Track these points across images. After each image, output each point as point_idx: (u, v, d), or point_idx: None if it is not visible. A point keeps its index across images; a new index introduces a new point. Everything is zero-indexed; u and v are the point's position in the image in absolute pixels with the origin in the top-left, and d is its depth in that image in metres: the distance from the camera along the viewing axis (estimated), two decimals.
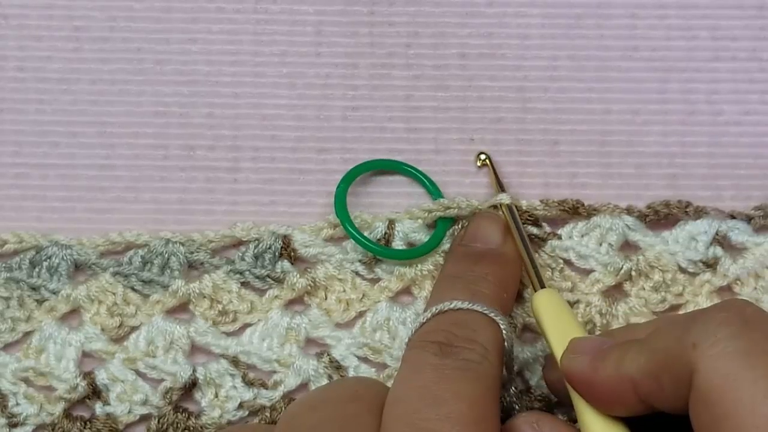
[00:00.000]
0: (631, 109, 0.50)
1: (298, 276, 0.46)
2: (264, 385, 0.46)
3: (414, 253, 0.47)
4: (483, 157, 0.49)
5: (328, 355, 0.46)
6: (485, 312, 0.41)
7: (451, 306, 0.41)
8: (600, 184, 0.49)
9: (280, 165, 0.50)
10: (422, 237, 0.47)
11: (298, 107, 0.50)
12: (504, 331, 0.41)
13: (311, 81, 0.51)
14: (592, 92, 0.51)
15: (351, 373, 0.46)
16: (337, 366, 0.46)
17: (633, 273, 0.47)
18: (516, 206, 0.47)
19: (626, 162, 0.50)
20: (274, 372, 0.46)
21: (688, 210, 0.47)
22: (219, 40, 0.51)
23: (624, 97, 0.50)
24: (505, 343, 0.41)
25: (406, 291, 0.47)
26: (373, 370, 0.46)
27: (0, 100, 0.50)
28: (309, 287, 0.47)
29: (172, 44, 0.51)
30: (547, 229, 0.48)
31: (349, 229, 0.47)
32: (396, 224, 0.47)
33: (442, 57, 0.51)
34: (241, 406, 0.45)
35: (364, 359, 0.46)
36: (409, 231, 0.47)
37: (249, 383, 0.46)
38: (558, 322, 0.42)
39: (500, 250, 0.45)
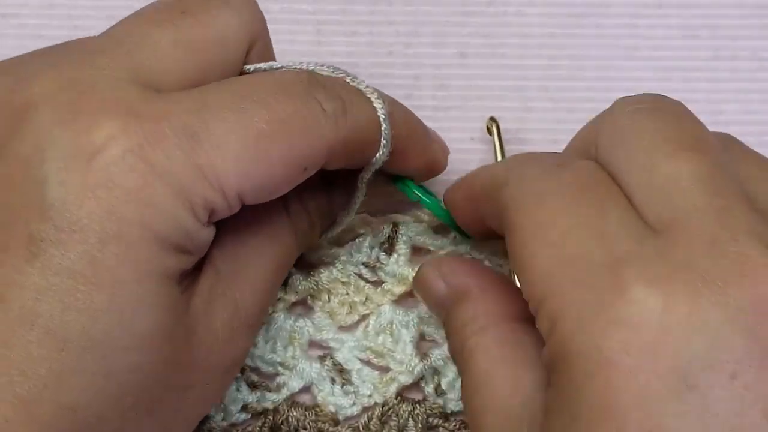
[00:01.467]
0: None
1: (301, 279, 0.46)
2: (267, 388, 0.45)
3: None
4: (490, 124, 0.49)
5: (332, 357, 0.46)
6: (369, 96, 0.41)
7: (344, 74, 0.41)
8: None
9: None
10: (427, 240, 0.47)
11: None
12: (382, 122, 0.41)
13: None
14: (592, 92, 0.51)
15: (354, 377, 0.46)
16: (340, 369, 0.46)
17: None
18: None
19: None
20: (278, 374, 0.46)
21: None
22: None
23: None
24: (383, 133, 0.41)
25: (409, 294, 0.47)
26: (376, 372, 0.46)
27: None
28: (312, 290, 0.47)
29: None
30: None
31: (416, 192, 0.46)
32: (400, 227, 0.47)
33: (442, 56, 0.51)
34: (244, 408, 0.45)
35: (367, 362, 0.46)
36: (414, 234, 0.47)
37: (252, 386, 0.45)
38: None
39: None
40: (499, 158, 0.48)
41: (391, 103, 0.42)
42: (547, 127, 0.50)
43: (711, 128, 0.49)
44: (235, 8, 0.40)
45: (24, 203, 0.34)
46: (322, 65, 0.41)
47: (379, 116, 0.41)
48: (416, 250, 0.47)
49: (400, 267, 0.47)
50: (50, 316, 0.33)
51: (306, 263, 0.47)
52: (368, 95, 0.41)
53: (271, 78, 0.39)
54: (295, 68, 0.40)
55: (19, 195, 0.34)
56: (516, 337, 0.38)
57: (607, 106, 0.50)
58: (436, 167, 0.46)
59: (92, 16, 0.52)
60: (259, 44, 0.41)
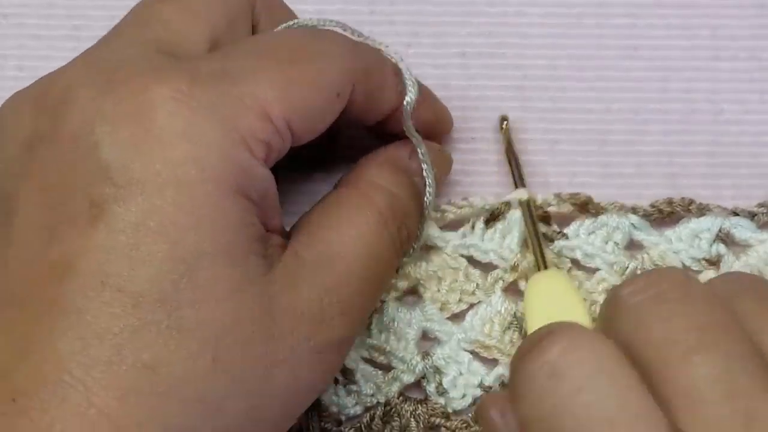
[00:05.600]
0: (631, 108, 0.50)
1: None
2: None
3: None
4: (505, 124, 0.49)
5: None
6: None
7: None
8: (600, 183, 0.49)
9: None
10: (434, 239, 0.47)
11: None
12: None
13: None
14: (592, 92, 0.51)
15: (358, 377, 0.45)
16: (342, 369, 0.45)
17: (638, 272, 0.46)
18: (532, 201, 0.47)
19: (626, 161, 0.50)
20: None
21: (691, 208, 0.47)
22: None
23: (624, 96, 0.50)
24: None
25: (412, 290, 0.47)
26: (379, 371, 0.45)
27: (0, 99, 0.50)
28: None
29: None
30: (556, 228, 0.47)
31: None
32: None
33: (442, 56, 0.51)
34: None
35: (369, 360, 0.46)
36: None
37: None
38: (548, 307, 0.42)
39: None
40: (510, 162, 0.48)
41: None
42: (547, 127, 0.50)
43: (710, 128, 0.50)
44: None
45: (82, 174, 0.35)
46: (331, 21, 0.44)
47: (394, 61, 0.44)
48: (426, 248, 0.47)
49: (405, 262, 0.46)
50: (119, 273, 0.33)
51: None
52: (379, 46, 0.44)
53: (281, 30, 0.42)
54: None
55: (76, 168, 0.35)
56: None
57: (607, 106, 0.50)
58: (443, 121, 0.48)
59: (92, 16, 0.52)
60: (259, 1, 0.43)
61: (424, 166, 0.44)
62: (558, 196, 0.47)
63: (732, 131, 0.50)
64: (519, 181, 0.47)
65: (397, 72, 0.44)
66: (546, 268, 0.45)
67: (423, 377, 0.45)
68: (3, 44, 0.51)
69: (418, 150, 0.44)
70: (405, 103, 0.43)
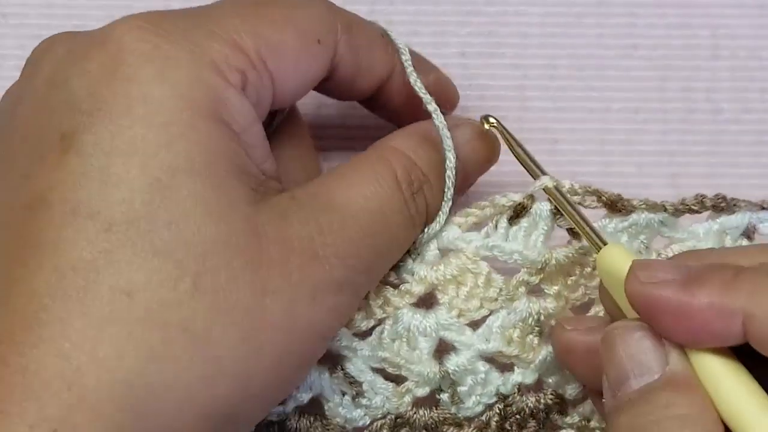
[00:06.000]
0: (630, 107, 0.51)
1: None
2: None
3: None
4: (492, 120, 0.44)
5: (342, 368, 0.42)
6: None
7: None
8: (600, 182, 0.49)
9: None
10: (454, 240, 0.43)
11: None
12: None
13: None
14: (591, 91, 0.51)
15: (366, 388, 0.42)
16: (351, 380, 0.42)
17: None
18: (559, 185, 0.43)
19: (626, 161, 0.50)
20: None
21: (722, 204, 0.43)
22: None
23: (624, 95, 0.51)
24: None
25: (429, 296, 0.43)
26: (391, 384, 0.42)
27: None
28: None
29: None
30: None
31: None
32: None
33: (442, 56, 0.51)
34: None
35: (380, 371, 0.42)
36: (443, 234, 0.43)
37: None
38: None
39: None
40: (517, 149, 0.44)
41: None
42: (547, 127, 0.50)
43: (710, 128, 0.50)
44: None
45: (55, 111, 0.35)
46: None
47: (381, 32, 0.43)
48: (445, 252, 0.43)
49: (422, 266, 0.42)
50: (90, 200, 0.33)
51: None
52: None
53: None
54: None
55: (50, 108, 0.35)
56: None
57: (607, 105, 0.50)
58: (445, 92, 0.45)
59: (92, 16, 0.51)
60: None
61: (437, 122, 0.42)
62: (585, 187, 0.43)
63: (732, 131, 0.50)
64: (536, 170, 0.43)
65: (386, 38, 0.43)
66: (602, 241, 0.40)
67: (437, 388, 0.43)
68: (3, 44, 0.51)
69: (429, 107, 0.42)
70: (404, 59, 0.43)
